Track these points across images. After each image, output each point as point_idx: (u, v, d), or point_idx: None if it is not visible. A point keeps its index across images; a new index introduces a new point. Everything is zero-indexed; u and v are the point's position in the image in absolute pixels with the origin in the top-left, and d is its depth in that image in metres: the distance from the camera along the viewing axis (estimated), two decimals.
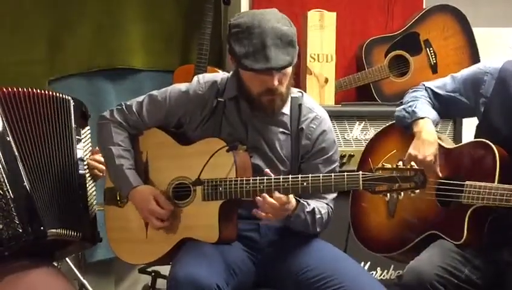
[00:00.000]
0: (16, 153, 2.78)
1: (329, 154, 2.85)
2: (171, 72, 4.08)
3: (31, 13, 3.88)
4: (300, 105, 2.85)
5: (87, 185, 3.00)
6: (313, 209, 2.75)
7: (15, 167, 2.76)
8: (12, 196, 2.71)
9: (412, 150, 2.79)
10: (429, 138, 2.81)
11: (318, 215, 2.77)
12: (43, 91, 2.93)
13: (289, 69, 2.70)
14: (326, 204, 2.82)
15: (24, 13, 3.87)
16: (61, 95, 2.97)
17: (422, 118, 2.85)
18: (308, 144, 2.83)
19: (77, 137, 2.97)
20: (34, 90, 2.90)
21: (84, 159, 3.00)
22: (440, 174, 2.80)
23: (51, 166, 2.87)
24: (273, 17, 2.67)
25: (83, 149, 3.00)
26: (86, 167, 2.99)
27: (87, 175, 3.01)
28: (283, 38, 2.63)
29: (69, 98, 2.99)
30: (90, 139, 3.05)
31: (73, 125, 2.97)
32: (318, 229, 2.81)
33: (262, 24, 2.63)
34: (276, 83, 2.67)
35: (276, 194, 2.62)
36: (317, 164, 2.83)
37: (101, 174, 3.03)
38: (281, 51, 2.63)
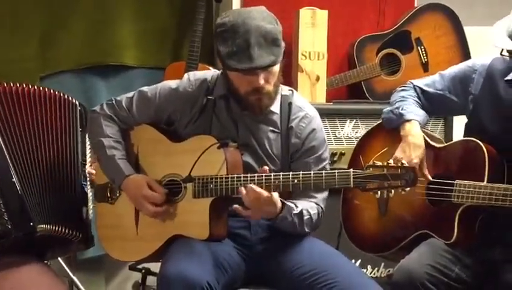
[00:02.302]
0: (4, 149, 2.77)
1: (319, 153, 2.85)
2: (163, 69, 4.07)
3: (24, 10, 3.86)
4: (290, 104, 2.84)
5: (86, 189, 3.00)
6: (301, 211, 2.74)
7: (3, 162, 2.75)
8: (0, 193, 2.70)
9: (398, 153, 2.79)
10: (416, 141, 2.81)
11: (306, 217, 2.76)
12: (45, 89, 2.94)
13: (276, 68, 2.69)
14: (316, 204, 2.81)
15: (16, 10, 3.85)
16: (67, 97, 2.98)
17: (409, 120, 2.85)
18: (298, 142, 2.83)
19: (81, 141, 2.98)
20: (31, 86, 2.90)
21: (86, 162, 3.00)
22: (429, 177, 2.80)
23: (44, 164, 2.86)
24: (259, 15, 2.67)
25: (86, 153, 3.01)
26: (87, 170, 3.00)
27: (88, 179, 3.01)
28: (267, 37, 2.63)
29: (76, 102, 3.01)
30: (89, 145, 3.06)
31: (79, 129, 2.98)
32: (307, 230, 2.80)
33: (246, 23, 2.63)
34: (262, 82, 2.67)
35: (254, 187, 2.61)
36: (307, 162, 2.83)
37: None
38: (264, 50, 2.62)
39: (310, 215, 2.78)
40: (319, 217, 2.83)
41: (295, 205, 2.74)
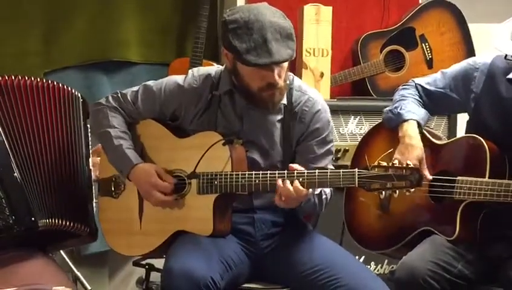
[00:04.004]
0: (6, 143, 2.77)
1: (324, 135, 2.84)
2: (167, 65, 4.08)
3: (26, 5, 3.86)
4: (291, 89, 2.84)
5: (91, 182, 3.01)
6: (320, 191, 2.76)
7: (4, 156, 2.75)
8: (1, 187, 2.71)
9: (397, 156, 2.78)
10: (412, 142, 2.80)
11: (324, 196, 2.79)
12: (48, 81, 2.93)
13: (286, 63, 2.70)
14: None
15: (19, 5, 3.86)
16: (70, 89, 2.97)
17: (406, 120, 2.85)
18: (302, 127, 2.82)
19: (85, 133, 2.98)
20: (33, 79, 2.89)
21: (90, 156, 3.00)
22: (429, 177, 2.79)
23: (48, 157, 2.85)
24: (268, 11, 2.67)
25: (89, 146, 3.01)
26: (91, 163, 3.00)
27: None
28: (282, 32, 2.63)
29: (79, 94, 2.99)
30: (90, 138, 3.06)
31: (82, 122, 2.98)
32: (321, 210, 2.83)
33: (259, 18, 2.63)
34: (276, 77, 2.67)
35: (297, 184, 2.60)
36: (311, 145, 2.82)
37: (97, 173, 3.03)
38: (281, 44, 2.62)
39: (326, 194, 2.80)
40: (331, 196, 2.84)
41: None
